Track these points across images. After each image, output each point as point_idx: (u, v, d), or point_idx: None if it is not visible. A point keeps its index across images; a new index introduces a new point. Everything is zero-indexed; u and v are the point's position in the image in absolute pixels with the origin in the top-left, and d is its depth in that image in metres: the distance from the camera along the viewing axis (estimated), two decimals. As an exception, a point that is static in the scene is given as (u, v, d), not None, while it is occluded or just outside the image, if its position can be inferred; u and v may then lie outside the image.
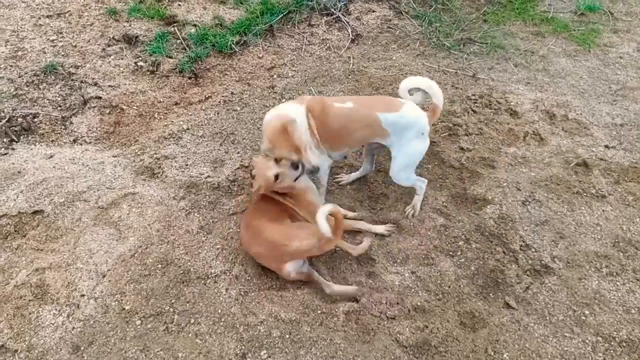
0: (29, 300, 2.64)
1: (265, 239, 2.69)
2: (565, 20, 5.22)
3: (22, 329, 2.53)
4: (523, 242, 3.05)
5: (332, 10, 5.11)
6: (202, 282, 2.77)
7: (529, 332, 2.64)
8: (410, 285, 2.84)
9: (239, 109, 4.04)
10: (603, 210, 3.23)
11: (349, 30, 4.96)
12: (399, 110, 2.91)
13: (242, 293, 2.74)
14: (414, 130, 2.93)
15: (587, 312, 2.71)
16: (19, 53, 4.19)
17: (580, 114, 4.00)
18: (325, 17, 5.08)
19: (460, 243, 3.07)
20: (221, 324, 2.59)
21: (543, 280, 2.87)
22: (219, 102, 4.09)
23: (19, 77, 4.00)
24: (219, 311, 2.64)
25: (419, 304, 2.75)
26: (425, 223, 3.18)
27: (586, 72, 4.54)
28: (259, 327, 2.58)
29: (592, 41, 4.92)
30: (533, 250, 3.01)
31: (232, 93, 4.19)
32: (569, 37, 5.00)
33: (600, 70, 4.57)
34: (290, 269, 2.70)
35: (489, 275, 2.90)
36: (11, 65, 4.07)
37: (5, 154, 3.45)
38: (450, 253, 3.02)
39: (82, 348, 2.48)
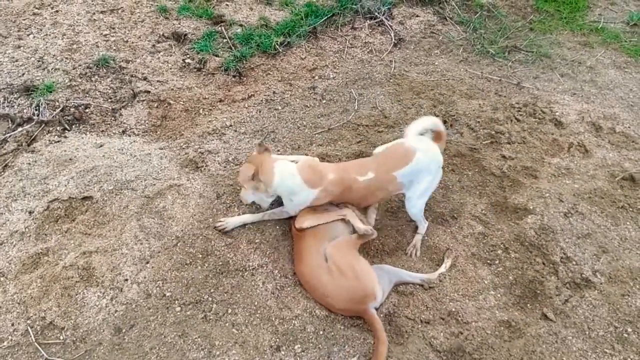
0: (76, 282, 2.75)
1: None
2: (616, 31, 5.08)
3: (69, 309, 2.64)
4: (564, 254, 2.99)
5: (376, 14, 5.13)
6: (240, 274, 2.83)
7: (567, 346, 2.59)
8: (446, 290, 2.83)
9: (280, 108, 4.11)
10: (650, 227, 3.14)
11: (392, 34, 4.97)
12: (413, 160, 2.87)
13: (278, 287, 2.79)
14: (431, 169, 2.94)
15: (629, 329, 2.63)
16: (74, 46, 4.38)
17: (629, 127, 3.89)
18: (368, 21, 5.11)
19: (498, 252, 3.04)
20: (257, 315, 2.65)
21: (583, 294, 2.81)
22: (262, 100, 4.17)
23: (73, 69, 4.17)
24: (256, 303, 2.70)
25: (454, 309, 2.73)
26: (464, 230, 3.16)
27: (636, 85, 4.41)
28: (293, 322, 2.62)
29: (643, 53, 4.78)
30: (574, 263, 2.95)
31: (274, 92, 4.27)
32: (619, 48, 4.87)
33: (651, 83, 4.43)
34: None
35: (527, 285, 2.86)
36: (66, 58, 4.26)
37: (58, 141, 3.61)
38: (488, 261, 2.99)
39: (124, 330, 2.57)
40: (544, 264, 2.95)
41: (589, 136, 3.79)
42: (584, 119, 3.93)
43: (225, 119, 3.94)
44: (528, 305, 2.78)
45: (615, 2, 5.57)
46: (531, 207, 3.24)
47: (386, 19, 5.12)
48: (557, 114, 3.97)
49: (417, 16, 5.23)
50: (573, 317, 2.71)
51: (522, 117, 3.94)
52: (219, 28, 4.81)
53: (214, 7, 5.06)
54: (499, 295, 2.82)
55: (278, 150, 3.65)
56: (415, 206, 2.99)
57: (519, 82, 4.38)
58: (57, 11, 4.69)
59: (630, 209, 3.25)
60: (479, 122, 3.88)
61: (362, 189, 2.89)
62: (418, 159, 2.88)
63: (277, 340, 2.55)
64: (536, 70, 4.58)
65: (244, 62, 4.52)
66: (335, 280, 2.64)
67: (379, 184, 2.90)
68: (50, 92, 3.90)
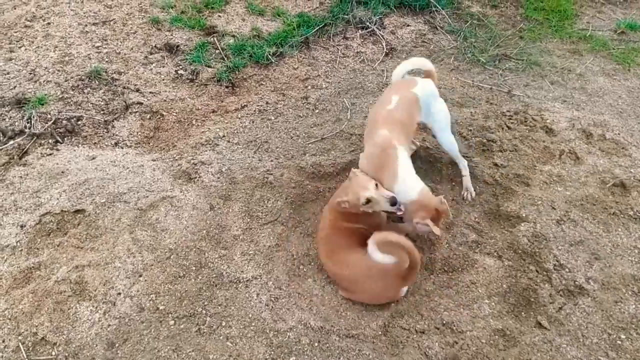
0: (68, 296, 2.73)
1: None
2: (604, 39, 5.15)
3: (61, 324, 2.62)
4: (557, 261, 3.00)
5: (367, 23, 5.17)
6: (234, 286, 2.82)
7: (561, 354, 2.59)
8: (441, 300, 2.83)
9: (273, 118, 4.12)
10: (641, 233, 3.16)
11: (384, 44, 5.00)
12: (418, 83, 3.19)
13: (273, 299, 2.78)
14: (436, 96, 3.26)
15: (623, 336, 2.64)
16: (66, 58, 4.38)
17: (619, 133, 3.92)
18: (360, 31, 5.14)
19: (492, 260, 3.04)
20: (251, 328, 2.63)
21: (577, 301, 2.82)
22: (255, 111, 4.18)
23: (65, 81, 4.17)
24: (250, 316, 2.69)
25: (448, 319, 2.73)
26: (457, 238, 3.17)
27: (625, 92, 4.46)
28: (288, 334, 2.61)
29: (632, 60, 4.84)
30: (567, 270, 2.96)
31: (267, 102, 4.28)
32: (607, 55, 4.93)
33: (640, 90, 4.49)
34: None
35: (521, 293, 2.86)
36: (58, 70, 4.25)
37: (50, 154, 3.60)
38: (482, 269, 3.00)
39: (117, 345, 2.55)
40: (537, 271, 2.97)
41: (579, 143, 3.82)
42: (575, 126, 3.96)
43: (218, 130, 3.94)
44: (522, 313, 2.78)
45: (603, 11, 5.65)
46: (524, 215, 3.26)
47: (378, 28, 5.15)
48: (547, 121, 4.00)
49: (408, 25, 5.27)
50: (567, 325, 2.71)
51: (513, 125, 3.97)
52: (212, 39, 4.82)
53: (206, 18, 5.07)
54: (493, 303, 2.83)
55: (271, 161, 3.65)
56: (446, 140, 3.30)
57: (509, 90, 4.42)
58: (48, 23, 4.69)
59: (622, 215, 3.28)
60: (470, 130, 3.91)
61: (397, 114, 3.04)
62: (422, 83, 3.20)
63: (272, 352, 2.54)
64: (526, 78, 4.62)
65: (237, 72, 4.53)
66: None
67: (404, 105, 3.07)
68: (42, 104, 3.89)
